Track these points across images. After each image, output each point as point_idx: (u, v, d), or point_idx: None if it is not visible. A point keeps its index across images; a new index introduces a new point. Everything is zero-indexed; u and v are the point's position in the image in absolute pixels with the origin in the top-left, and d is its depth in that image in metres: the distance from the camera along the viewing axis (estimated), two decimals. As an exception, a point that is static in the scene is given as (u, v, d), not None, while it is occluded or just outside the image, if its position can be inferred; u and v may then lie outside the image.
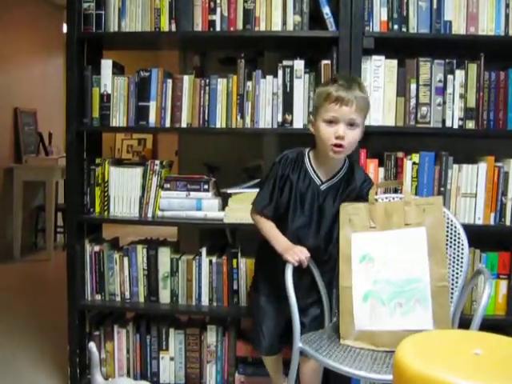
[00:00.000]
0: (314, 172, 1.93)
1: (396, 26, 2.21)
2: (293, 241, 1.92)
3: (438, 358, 1.18)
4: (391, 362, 1.69)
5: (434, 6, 2.20)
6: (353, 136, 1.82)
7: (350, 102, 1.78)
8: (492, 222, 2.22)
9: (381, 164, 2.24)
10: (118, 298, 2.44)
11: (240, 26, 2.28)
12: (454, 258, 1.94)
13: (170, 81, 2.34)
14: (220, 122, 2.31)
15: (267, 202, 1.96)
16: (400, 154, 2.24)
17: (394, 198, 2.06)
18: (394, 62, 2.22)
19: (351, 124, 1.81)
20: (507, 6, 2.19)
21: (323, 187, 1.93)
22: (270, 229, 1.96)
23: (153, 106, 2.35)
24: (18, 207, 5.29)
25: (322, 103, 1.83)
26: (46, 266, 5.12)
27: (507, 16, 2.19)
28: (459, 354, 1.21)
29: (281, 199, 1.95)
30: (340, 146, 1.81)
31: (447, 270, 1.88)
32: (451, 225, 1.96)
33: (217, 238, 2.72)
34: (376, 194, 1.97)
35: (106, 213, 2.42)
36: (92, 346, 2.28)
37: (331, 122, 1.81)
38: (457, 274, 1.93)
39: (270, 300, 2.05)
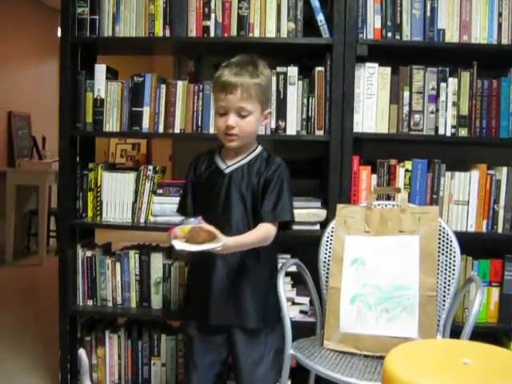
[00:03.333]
0: (221, 159, 1.85)
1: (389, 34, 2.22)
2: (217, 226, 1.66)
3: (427, 368, 1.18)
4: (383, 370, 1.69)
5: (428, 14, 2.21)
6: (245, 125, 1.74)
7: (234, 89, 1.70)
8: (484, 230, 2.23)
9: (373, 171, 2.25)
10: (110, 304, 2.43)
11: (234, 32, 2.28)
12: (445, 265, 1.95)
13: (163, 86, 2.34)
14: (213, 128, 2.31)
15: (183, 204, 1.92)
16: (393, 162, 2.24)
17: (392, 205, 2.07)
18: (388, 70, 2.23)
19: (241, 113, 1.73)
20: (500, 14, 2.21)
21: (227, 170, 1.82)
22: None
23: (146, 111, 2.35)
24: (11, 211, 5.27)
25: (213, 90, 1.81)
26: (38, 271, 5.10)
27: (500, 25, 2.21)
28: (448, 363, 1.21)
29: (197, 194, 1.89)
30: (231, 134, 1.75)
31: (437, 280, 1.89)
32: (443, 232, 1.97)
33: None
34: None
35: (98, 218, 2.41)
36: (82, 352, 2.27)
37: (221, 112, 1.75)
38: (448, 281, 1.93)
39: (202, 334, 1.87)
